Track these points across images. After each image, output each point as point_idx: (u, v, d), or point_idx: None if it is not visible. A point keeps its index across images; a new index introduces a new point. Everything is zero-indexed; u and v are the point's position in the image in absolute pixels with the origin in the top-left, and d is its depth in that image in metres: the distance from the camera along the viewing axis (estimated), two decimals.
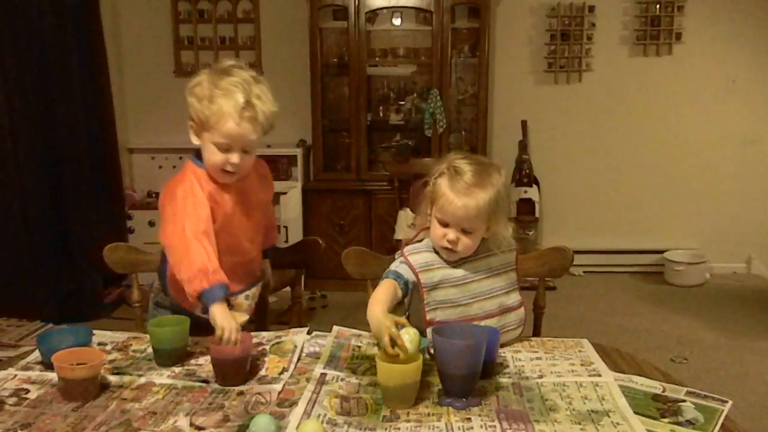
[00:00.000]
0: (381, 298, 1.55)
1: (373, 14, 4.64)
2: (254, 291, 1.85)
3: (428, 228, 1.65)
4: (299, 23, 4.70)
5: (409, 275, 1.61)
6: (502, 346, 1.63)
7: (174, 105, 4.95)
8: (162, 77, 4.97)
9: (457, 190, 1.54)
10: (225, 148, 1.64)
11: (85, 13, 4.12)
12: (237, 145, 1.64)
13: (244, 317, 1.76)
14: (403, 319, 1.49)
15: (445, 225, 1.58)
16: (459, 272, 1.63)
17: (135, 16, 4.93)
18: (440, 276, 1.62)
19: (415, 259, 1.63)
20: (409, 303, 1.69)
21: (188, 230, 1.60)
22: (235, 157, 1.64)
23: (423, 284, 1.61)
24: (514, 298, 1.68)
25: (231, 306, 1.76)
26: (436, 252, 1.64)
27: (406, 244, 1.70)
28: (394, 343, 1.39)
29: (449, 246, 1.58)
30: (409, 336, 1.40)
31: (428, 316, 1.61)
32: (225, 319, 1.54)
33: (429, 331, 1.51)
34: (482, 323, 1.58)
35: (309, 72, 4.61)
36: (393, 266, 1.65)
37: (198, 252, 1.58)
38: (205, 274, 1.57)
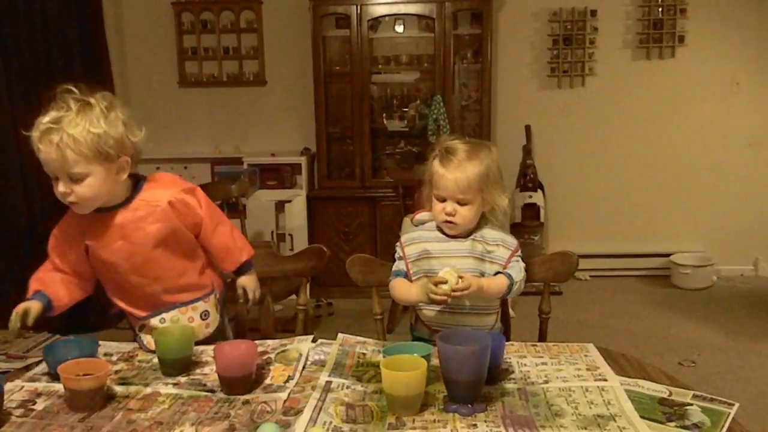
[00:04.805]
0: (405, 283, 1.77)
1: (376, 22, 4.66)
2: (172, 315, 1.77)
3: (422, 211, 1.85)
4: (302, 32, 4.72)
5: (402, 266, 1.79)
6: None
7: (178, 115, 5.03)
8: (166, 88, 5.00)
9: (449, 166, 1.72)
10: (53, 177, 1.60)
11: (89, 24, 4.14)
12: (56, 172, 1.58)
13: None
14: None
15: (442, 200, 1.74)
16: (447, 245, 1.77)
17: (139, 28, 4.96)
18: (424, 248, 1.77)
19: (406, 238, 1.83)
20: None
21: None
22: (60, 186, 1.58)
23: (407, 256, 1.78)
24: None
25: (146, 327, 1.77)
26: (439, 230, 1.79)
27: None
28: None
29: (448, 219, 1.73)
30: (447, 277, 1.61)
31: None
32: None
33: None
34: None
35: (312, 80, 4.63)
36: (394, 267, 1.81)
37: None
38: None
